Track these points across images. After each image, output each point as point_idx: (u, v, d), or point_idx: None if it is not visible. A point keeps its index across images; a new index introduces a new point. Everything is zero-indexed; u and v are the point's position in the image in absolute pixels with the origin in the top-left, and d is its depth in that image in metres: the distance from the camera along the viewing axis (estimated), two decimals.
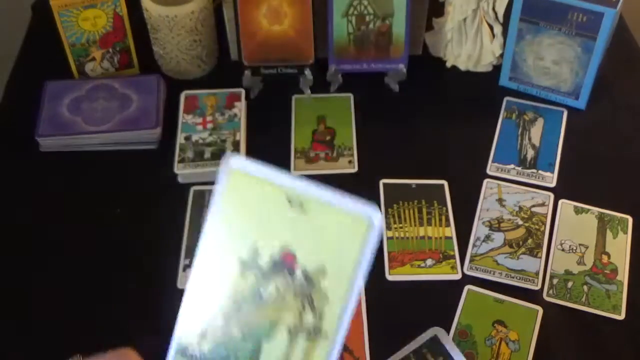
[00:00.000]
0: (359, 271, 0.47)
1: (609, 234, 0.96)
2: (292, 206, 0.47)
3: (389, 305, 0.89)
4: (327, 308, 0.47)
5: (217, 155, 1.01)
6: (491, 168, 1.03)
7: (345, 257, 0.47)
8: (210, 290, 0.50)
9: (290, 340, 0.47)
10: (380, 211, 0.94)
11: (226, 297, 0.49)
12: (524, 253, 0.94)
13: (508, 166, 1.04)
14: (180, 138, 1.04)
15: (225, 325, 0.49)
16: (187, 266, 0.92)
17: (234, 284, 0.49)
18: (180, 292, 0.96)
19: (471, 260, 0.93)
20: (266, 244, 0.48)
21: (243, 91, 1.09)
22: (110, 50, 1.12)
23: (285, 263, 0.48)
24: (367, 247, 0.46)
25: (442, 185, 1.01)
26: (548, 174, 1.03)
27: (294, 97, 1.12)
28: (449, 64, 1.18)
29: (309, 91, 1.12)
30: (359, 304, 0.88)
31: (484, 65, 1.16)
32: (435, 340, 0.82)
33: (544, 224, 0.97)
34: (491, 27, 1.13)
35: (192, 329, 0.50)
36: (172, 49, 1.11)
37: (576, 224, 0.97)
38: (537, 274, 0.92)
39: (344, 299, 0.47)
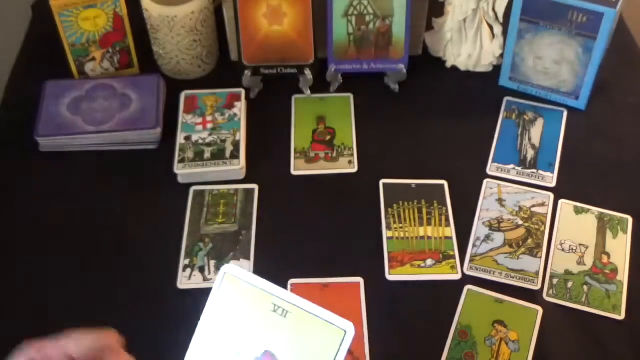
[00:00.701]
0: None
1: (609, 234, 0.96)
2: (276, 312, 0.53)
3: (389, 306, 0.89)
4: None
5: (217, 155, 1.01)
6: (491, 168, 1.03)
7: (321, 359, 0.52)
8: None
9: None
10: (381, 211, 0.94)
11: None
12: (524, 253, 0.94)
13: (508, 166, 1.04)
14: (180, 138, 1.04)
15: None
16: (187, 266, 0.92)
17: None
18: (180, 292, 0.97)
19: (471, 260, 0.93)
20: (249, 345, 0.53)
21: (243, 91, 1.09)
22: (110, 50, 1.12)
23: None
24: (341, 352, 0.52)
25: (442, 185, 1.01)
26: (548, 174, 1.03)
27: (294, 97, 1.12)
28: (449, 64, 1.18)
29: (309, 91, 1.12)
30: (359, 304, 0.88)
31: (484, 65, 1.16)
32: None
33: (544, 224, 0.97)
34: (491, 27, 1.13)
35: None
36: (172, 49, 1.11)
37: (576, 224, 0.97)
38: (537, 274, 0.92)
39: None
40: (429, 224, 0.97)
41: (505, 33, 1.11)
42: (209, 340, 0.54)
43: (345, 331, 0.52)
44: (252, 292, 0.54)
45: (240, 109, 1.07)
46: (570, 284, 0.91)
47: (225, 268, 0.54)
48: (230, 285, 0.54)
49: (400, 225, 0.96)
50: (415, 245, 0.94)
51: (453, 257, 0.93)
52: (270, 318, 0.53)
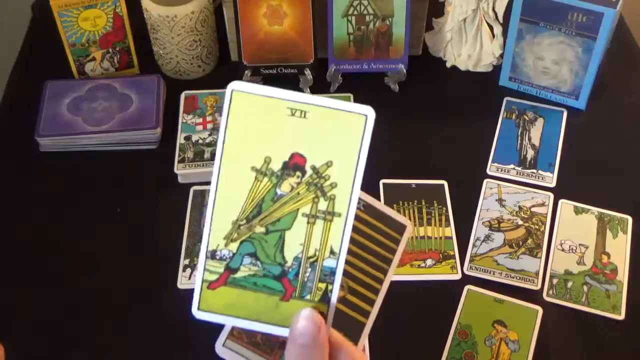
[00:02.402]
0: (361, 157, 0.55)
1: (608, 234, 0.96)
2: (294, 115, 0.54)
3: (388, 306, 0.89)
4: (337, 192, 0.55)
5: None
6: (491, 168, 1.03)
7: (348, 147, 0.55)
8: (230, 199, 0.56)
9: (309, 225, 0.55)
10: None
11: (246, 202, 0.55)
12: (524, 253, 0.94)
13: (508, 166, 1.04)
14: (180, 138, 1.04)
15: (249, 225, 0.55)
16: (187, 266, 0.92)
17: (251, 190, 0.55)
18: (181, 292, 0.97)
19: (471, 260, 0.93)
20: (276, 151, 0.55)
21: None
22: (110, 50, 1.12)
23: (295, 164, 0.55)
24: (366, 137, 0.54)
25: (442, 185, 1.01)
26: (548, 174, 1.03)
27: None
28: (449, 64, 1.18)
29: (308, 91, 1.12)
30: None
31: (484, 65, 1.16)
32: None
33: (544, 224, 0.97)
34: (491, 27, 1.13)
35: (218, 234, 0.56)
36: (172, 49, 1.11)
37: (576, 224, 0.97)
38: (537, 274, 0.92)
39: (351, 182, 0.56)
40: (429, 224, 0.97)
41: (505, 33, 1.11)
42: (234, 159, 0.55)
43: (366, 115, 0.54)
44: (265, 102, 0.54)
45: None
46: (570, 284, 0.91)
47: (232, 85, 0.55)
48: (240, 102, 0.55)
49: None
50: (415, 245, 0.95)
51: (453, 257, 0.93)
52: (290, 122, 0.54)
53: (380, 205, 0.64)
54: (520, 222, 0.97)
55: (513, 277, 0.91)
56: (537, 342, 0.86)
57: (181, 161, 1.01)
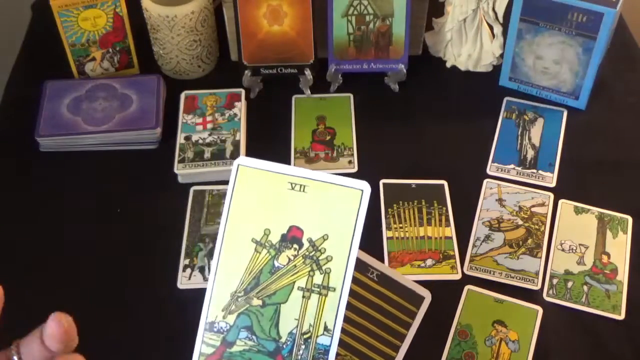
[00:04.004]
0: (356, 232, 0.57)
1: (609, 234, 0.96)
2: (294, 189, 0.56)
3: None
4: (332, 265, 0.56)
5: (217, 155, 1.01)
6: (491, 168, 1.03)
7: (344, 222, 0.57)
8: (230, 270, 0.57)
9: (304, 299, 0.56)
10: (381, 211, 0.95)
11: (245, 274, 0.57)
12: (524, 253, 0.94)
13: (508, 166, 1.04)
14: (180, 138, 1.04)
15: (247, 297, 0.57)
16: (187, 266, 0.92)
17: (250, 262, 0.57)
18: (180, 292, 0.97)
19: (471, 260, 0.93)
20: (275, 224, 0.57)
21: (243, 91, 1.09)
22: (110, 50, 1.12)
23: (293, 236, 0.56)
24: (361, 211, 0.57)
25: (442, 185, 1.01)
26: (548, 174, 1.03)
27: (294, 97, 1.12)
28: (449, 64, 1.18)
29: (309, 91, 1.12)
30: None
31: (484, 65, 1.16)
32: None
33: (544, 224, 0.97)
34: (491, 27, 1.13)
35: (217, 306, 0.57)
36: (172, 49, 1.11)
37: (576, 224, 0.97)
38: (537, 274, 0.92)
39: (346, 256, 0.56)
40: (429, 224, 0.97)
41: (505, 33, 1.11)
42: (237, 230, 0.57)
43: (362, 190, 0.57)
44: (267, 176, 0.57)
45: (240, 109, 1.07)
46: (570, 284, 0.91)
47: (239, 160, 0.57)
48: (245, 176, 0.57)
49: (400, 225, 0.96)
50: (415, 245, 0.95)
51: (453, 257, 0.93)
52: (290, 195, 0.56)
53: (396, 274, 0.64)
54: (520, 222, 0.97)
55: (513, 277, 0.91)
56: (537, 342, 0.86)
57: (181, 161, 1.01)
